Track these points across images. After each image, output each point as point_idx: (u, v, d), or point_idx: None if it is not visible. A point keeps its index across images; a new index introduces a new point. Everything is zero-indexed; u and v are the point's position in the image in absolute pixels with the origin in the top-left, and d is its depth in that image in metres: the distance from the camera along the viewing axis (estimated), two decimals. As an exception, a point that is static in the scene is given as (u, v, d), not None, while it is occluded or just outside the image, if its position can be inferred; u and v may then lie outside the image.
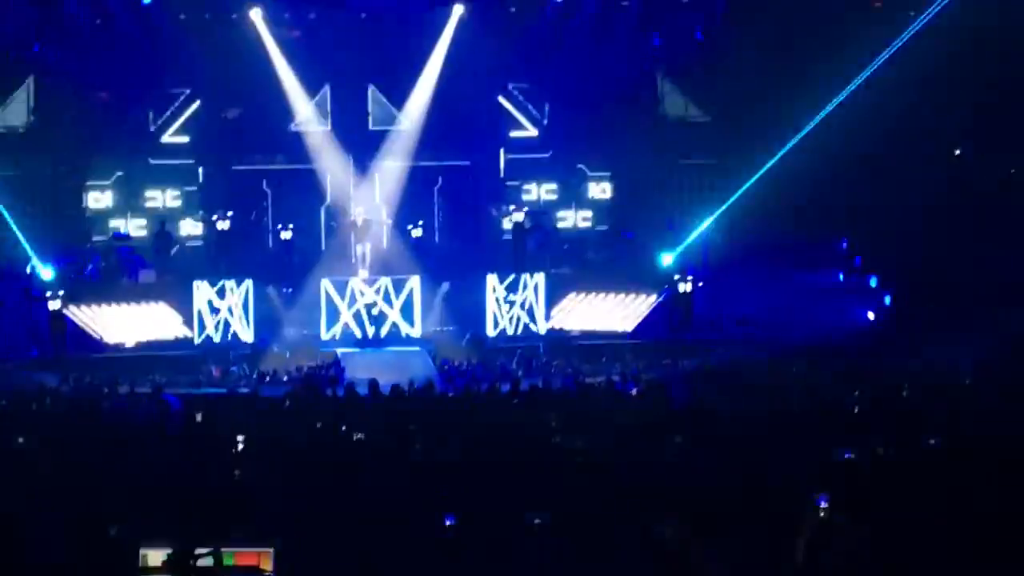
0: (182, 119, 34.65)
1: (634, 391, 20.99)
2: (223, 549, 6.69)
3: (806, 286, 31.29)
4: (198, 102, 34.39)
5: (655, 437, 14.84)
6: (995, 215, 30.70)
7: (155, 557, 7.51)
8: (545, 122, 35.43)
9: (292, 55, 33.29)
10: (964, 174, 32.03)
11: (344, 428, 15.87)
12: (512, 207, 33.63)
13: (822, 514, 10.65)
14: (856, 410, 17.50)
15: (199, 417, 17.44)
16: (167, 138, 34.65)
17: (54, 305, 28.71)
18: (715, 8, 33.67)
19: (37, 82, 34.11)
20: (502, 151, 35.14)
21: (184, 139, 34.67)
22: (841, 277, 32.55)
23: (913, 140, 31.45)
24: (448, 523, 10.21)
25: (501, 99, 35.15)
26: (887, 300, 31.37)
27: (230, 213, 32.61)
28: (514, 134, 35.37)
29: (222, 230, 32.50)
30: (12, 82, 33.93)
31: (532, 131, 35.42)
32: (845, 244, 32.90)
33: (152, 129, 34.66)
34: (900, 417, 16.01)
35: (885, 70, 30.76)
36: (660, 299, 30.85)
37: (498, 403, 19.87)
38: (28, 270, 31.12)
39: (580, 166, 35.63)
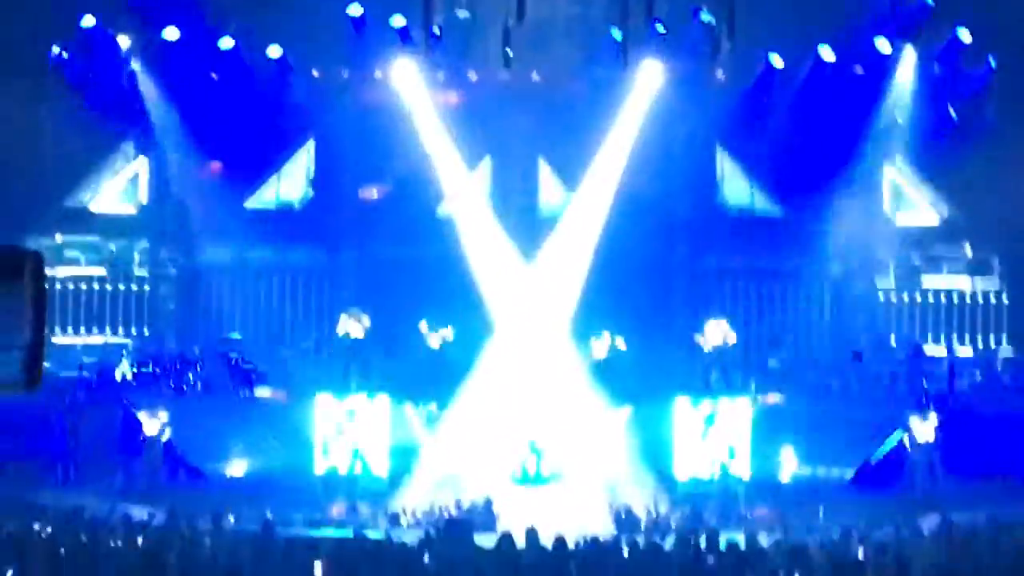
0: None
1: (860, 554, 20.78)
2: None
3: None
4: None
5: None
6: None
7: None
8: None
9: (446, 122, 33.77)
10: None
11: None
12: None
13: None
14: None
15: (319, 569, 17.64)
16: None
17: (151, 427, 29.13)
18: (972, 79, 33.61)
19: (140, 152, 35.06)
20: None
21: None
22: None
23: None
24: None
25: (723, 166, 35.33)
26: None
27: (362, 314, 32.75)
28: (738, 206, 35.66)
29: (354, 338, 32.68)
30: (109, 153, 34.88)
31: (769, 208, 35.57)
32: None
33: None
34: None
35: None
36: (896, 440, 30.55)
37: (689, 563, 19.80)
38: (119, 374, 31.80)
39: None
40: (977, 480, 29.20)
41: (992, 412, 31.24)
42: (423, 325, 33.08)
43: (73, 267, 34.78)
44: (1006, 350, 34.98)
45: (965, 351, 34.70)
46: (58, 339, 33.22)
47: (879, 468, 30.75)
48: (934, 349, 34.31)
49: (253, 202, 35.81)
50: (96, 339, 34.06)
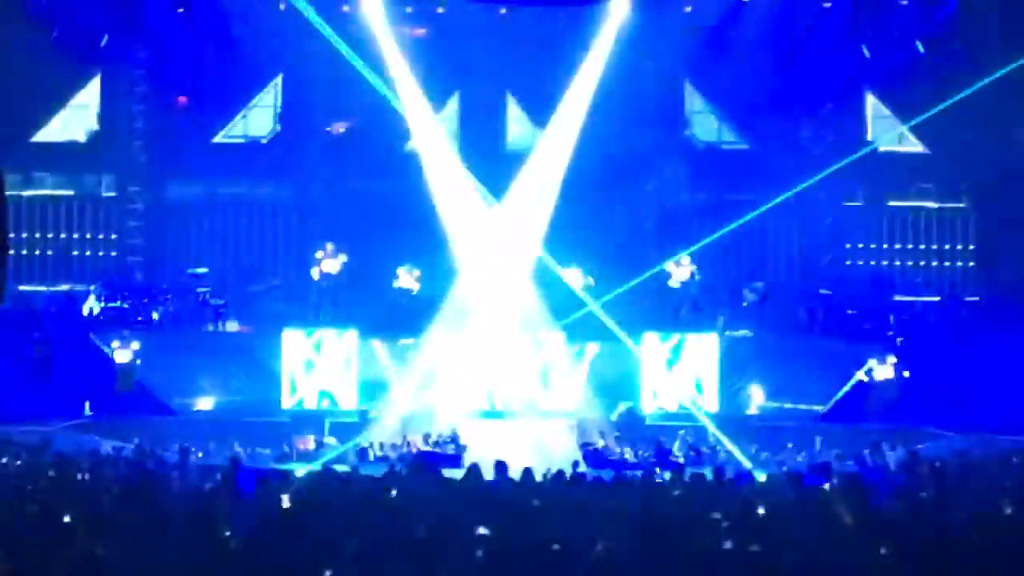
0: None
1: (826, 486, 20.85)
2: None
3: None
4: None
5: (852, 548, 14.76)
6: None
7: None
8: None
9: (414, 59, 33.65)
10: None
11: (463, 520, 15.97)
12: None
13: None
14: None
15: (285, 501, 17.62)
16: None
17: (122, 356, 29.09)
18: (939, 13, 33.65)
19: (105, 83, 34.96)
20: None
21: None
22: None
23: None
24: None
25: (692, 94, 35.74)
26: None
27: (340, 250, 32.62)
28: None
29: (329, 273, 32.62)
30: (75, 84, 34.82)
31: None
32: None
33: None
34: None
35: None
36: (862, 375, 30.67)
37: (656, 496, 19.83)
38: (87, 309, 31.79)
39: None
40: (939, 414, 29.18)
41: (954, 350, 31.35)
42: (401, 271, 32.96)
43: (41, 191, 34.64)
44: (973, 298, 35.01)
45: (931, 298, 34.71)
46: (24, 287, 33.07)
47: (845, 402, 30.90)
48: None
49: (221, 137, 35.65)
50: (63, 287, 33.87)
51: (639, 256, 33.98)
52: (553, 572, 12.45)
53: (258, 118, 35.95)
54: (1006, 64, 31.58)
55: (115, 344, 29.53)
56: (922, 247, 35.90)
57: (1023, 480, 21.58)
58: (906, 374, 30.27)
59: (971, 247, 35.88)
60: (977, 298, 34.88)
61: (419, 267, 33.03)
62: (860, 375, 30.28)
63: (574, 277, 32.40)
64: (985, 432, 27.26)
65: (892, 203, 36.04)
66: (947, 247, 35.86)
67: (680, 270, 33.24)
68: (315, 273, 32.34)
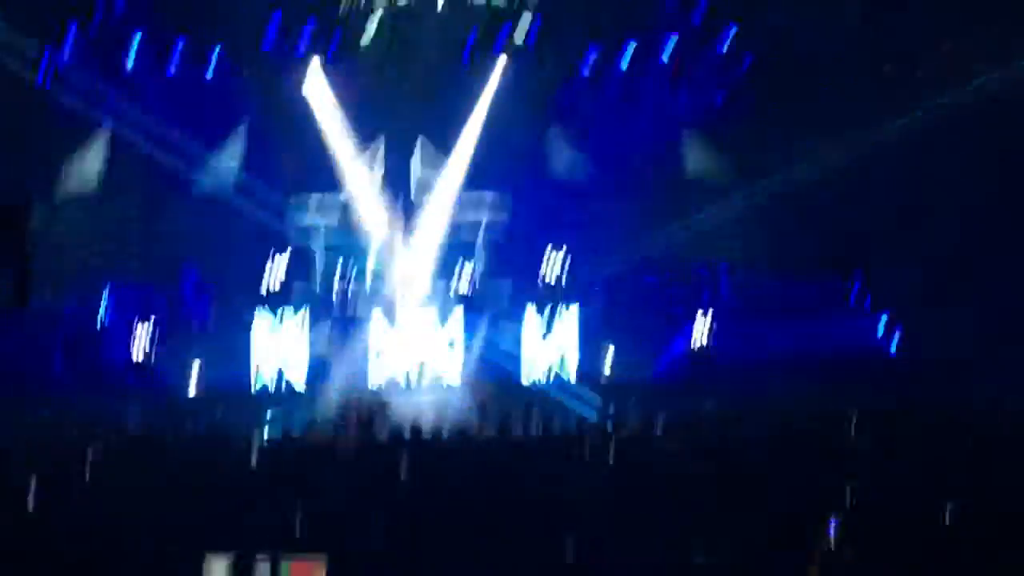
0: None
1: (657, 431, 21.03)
2: (280, 558, 7.05)
3: (818, 325, 31.31)
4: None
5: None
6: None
7: (217, 565, 7.79)
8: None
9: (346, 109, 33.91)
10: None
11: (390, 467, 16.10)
12: None
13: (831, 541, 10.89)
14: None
15: (254, 459, 17.70)
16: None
17: (134, 350, 28.86)
18: (734, 74, 34.04)
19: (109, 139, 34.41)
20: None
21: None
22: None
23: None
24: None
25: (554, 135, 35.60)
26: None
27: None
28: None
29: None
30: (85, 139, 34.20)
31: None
32: (858, 284, 32.79)
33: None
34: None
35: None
36: (682, 344, 30.93)
37: (532, 447, 20.02)
38: (102, 313, 31.46)
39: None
40: (750, 367, 29.40)
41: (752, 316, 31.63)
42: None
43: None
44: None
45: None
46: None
47: (669, 364, 31.11)
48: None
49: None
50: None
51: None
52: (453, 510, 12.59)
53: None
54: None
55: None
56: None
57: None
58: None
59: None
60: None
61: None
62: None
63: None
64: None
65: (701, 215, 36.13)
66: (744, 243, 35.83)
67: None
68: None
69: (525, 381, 30.95)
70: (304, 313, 30.90)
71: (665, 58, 33.75)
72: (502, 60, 33.73)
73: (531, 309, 31.21)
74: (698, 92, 34.54)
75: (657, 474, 15.13)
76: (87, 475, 15.47)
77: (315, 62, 33.18)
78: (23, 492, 12.84)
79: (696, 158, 36.17)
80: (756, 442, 18.24)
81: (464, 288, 33.19)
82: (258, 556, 6.93)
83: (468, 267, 33.54)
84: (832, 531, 11.08)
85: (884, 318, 31.84)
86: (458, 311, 31.62)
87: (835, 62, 32.28)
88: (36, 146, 31.59)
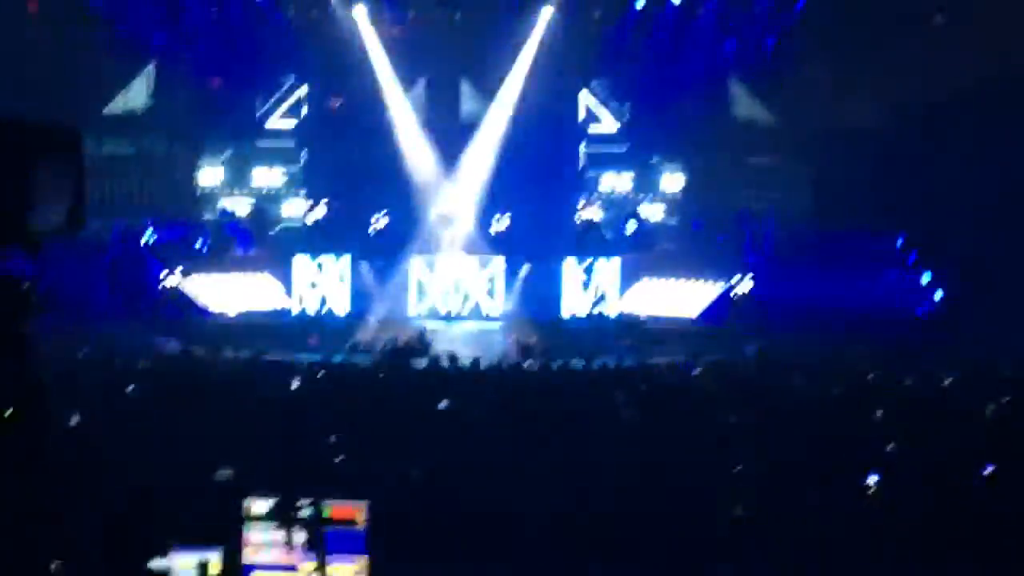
0: (287, 105, 35.26)
1: (695, 372, 21.05)
2: (322, 502, 6.96)
3: (862, 279, 31.15)
4: (303, 89, 34.95)
5: (710, 413, 15.05)
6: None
7: (259, 506, 7.77)
8: (626, 118, 35.64)
9: (391, 51, 33.74)
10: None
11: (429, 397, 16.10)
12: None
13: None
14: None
15: (295, 383, 17.75)
16: (273, 122, 35.21)
17: (173, 278, 28.95)
18: (785, 20, 33.71)
19: (156, 69, 34.78)
20: (583, 145, 35.30)
21: (290, 124, 35.22)
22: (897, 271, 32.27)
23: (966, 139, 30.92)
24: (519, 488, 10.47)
25: (585, 93, 35.33)
26: (938, 295, 31.32)
27: (324, 200, 33.11)
28: (594, 129, 35.56)
29: (315, 219, 33.12)
30: (133, 69, 34.63)
31: (612, 126, 35.58)
32: (902, 240, 32.54)
33: (259, 114, 35.31)
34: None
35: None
36: (725, 289, 30.84)
37: (570, 381, 20.02)
38: (145, 240, 31.72)
39: (655, 159, 35.74)
40: (788, 317, 29.27)
41: (796, 267, 31.52)
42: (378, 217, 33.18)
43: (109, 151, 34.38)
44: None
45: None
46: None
47: (713, 309, 31.08)
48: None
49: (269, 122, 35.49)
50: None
51: (558, 200, 34.00)
52: (485, 442, 12.60)
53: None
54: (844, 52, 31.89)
55: (167, 265, 29.36)
56: (771, 193, 35.84)
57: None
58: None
59: (808, 193, 35.87)
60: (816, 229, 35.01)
61: (392, 210, 33.14)
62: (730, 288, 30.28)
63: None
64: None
65: (751, 160, 36.03)
66: (790, 193, 35.81)
67: (588, 211, 33.57)
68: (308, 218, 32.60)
69: (565, 317, 30.97)
70: (346, 257, 30.95)
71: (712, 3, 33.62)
72: (548, 10, 33.51)
73: (571, 260, 31.17)
74: (748, 38, 34.45)
75: (689, 415, 15.13)
76: (134, 397, 15.57)
77: (360, 10, 33.28)
78: (78, 413, 12.91)
79: (744, 105, 36.18)
80: (787, 391, 18.25)
81: (505, 228, 33.26)
82: (300, 500, 6.86)
83: (507, 214, 33.57)
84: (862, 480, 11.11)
85: (927, 276, 31.70)
86: (499, 257, 31.54)
87: (886, 13, 31.95)
88: (87, 75, 31.76)
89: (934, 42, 31.80)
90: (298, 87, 35.26)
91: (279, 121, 35.43)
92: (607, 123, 35.72)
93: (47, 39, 30.30)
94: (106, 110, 34.56)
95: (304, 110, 35.36)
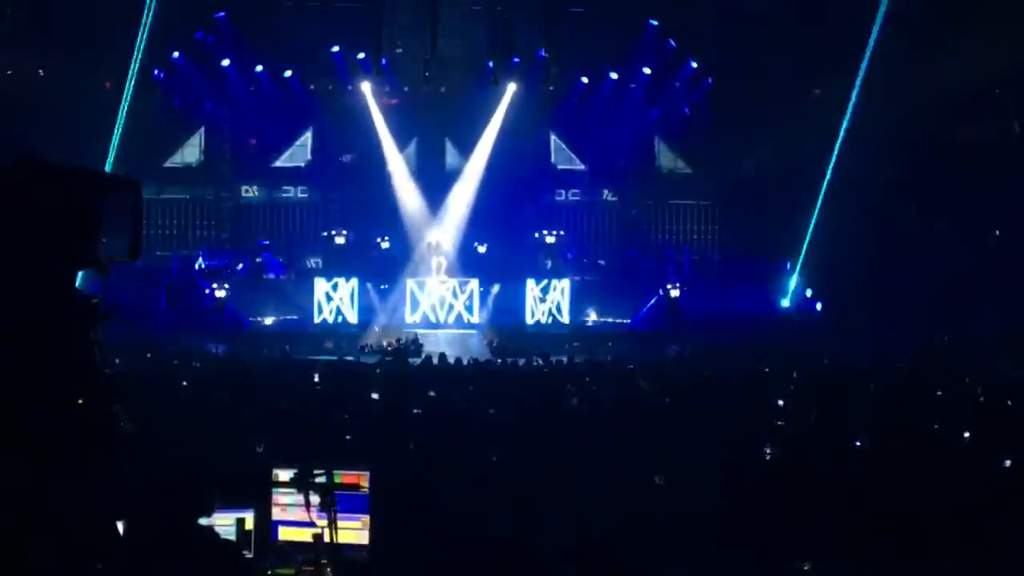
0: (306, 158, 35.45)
1: (629, 367, 21.01)
2: (334, 471, 6.91)
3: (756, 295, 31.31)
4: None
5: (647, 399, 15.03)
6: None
7: (284, 475, 7.72)
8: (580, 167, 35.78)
9: (390, 116, 33.80)
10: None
11: (421, 387, 16.04)
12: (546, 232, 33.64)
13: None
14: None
15: (316, 377, 17.65)
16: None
17: (220, 293, 28.81)
18: (699, 90, 33.93)
19: (206, 132, 34.77)
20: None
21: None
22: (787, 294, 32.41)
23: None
24: (493, 458, 10.42)
25: (554, 138, 35.50)
26: (818, 306, 31.51)
27: (344, 231, 33.01)
28: (563, 165, 35.88)
29: (339, 244, 32.92)
30: (188, 132, 34.62)
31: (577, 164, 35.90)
32: (788, 264, 32.70)
33: (283, 164, 35.44)
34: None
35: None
36: (655, 299, 30.83)
37: (533, 374, 20.00)
38: (196, 266, 31.58)
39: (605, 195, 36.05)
40: (708, 322, 29.26)
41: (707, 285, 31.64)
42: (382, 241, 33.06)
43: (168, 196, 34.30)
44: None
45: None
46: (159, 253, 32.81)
47: (644, 318, 31.07)
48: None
49: (276, 163, 35.50)
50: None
51: (524, 231, 33.94)
52: (466, 422, 12.54)
53: (298, 153, 35.69)
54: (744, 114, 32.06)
55: (215, 286, 29.15)
56: (687, 228, 36.12)
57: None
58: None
59: (716, 227, 36.14)
60: (722, 257, 35.31)
61: (391, 239, 33.08)
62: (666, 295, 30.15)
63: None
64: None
65: (671, 202, 36.27)
66: (703, 227, 36.09)
67: (549, 238, 33.56)
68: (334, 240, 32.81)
69: (528, 325, 30.84)
70: (354, 279, 30.76)
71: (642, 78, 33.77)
72: (512, 86, 33.52)
73: (531, 282, 31.04)
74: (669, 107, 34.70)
75: (629, 401, 15.12)
76: (189, 392, 15.47)
77: (366, 85, 33.29)
78: (140, 408, 12.78)
79: (667, 158, 36.44)
80: (707, 381, 18.23)
81: (481, 254, 33.22)
82: (316, 470, 6.82)
83: (483, 247, 33.47)
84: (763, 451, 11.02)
85: (808, 292, 31.94)
86: (474, 279, 31.31)
87: (773, 87, 32.18)
88: (149, 135, 31.64)
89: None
90: (316, 145, 35.18)
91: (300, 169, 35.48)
92: (572, 162, 35.91)
93: (117, 107, 30.13)
94: (166, 164, 34.54)
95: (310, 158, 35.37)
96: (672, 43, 33.15)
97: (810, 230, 31.74)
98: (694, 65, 33.13)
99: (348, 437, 11.33)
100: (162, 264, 31.19)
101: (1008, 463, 10.06)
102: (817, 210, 31.59)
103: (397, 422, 12.09)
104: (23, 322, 4.54)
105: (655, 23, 32.86)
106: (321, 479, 6.74)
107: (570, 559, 7.97)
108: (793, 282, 31.93)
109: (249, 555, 7.51)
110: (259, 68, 32.62)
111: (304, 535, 7.32)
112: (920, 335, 26.17)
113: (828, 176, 31.24)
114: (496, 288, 31.12)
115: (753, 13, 31.45)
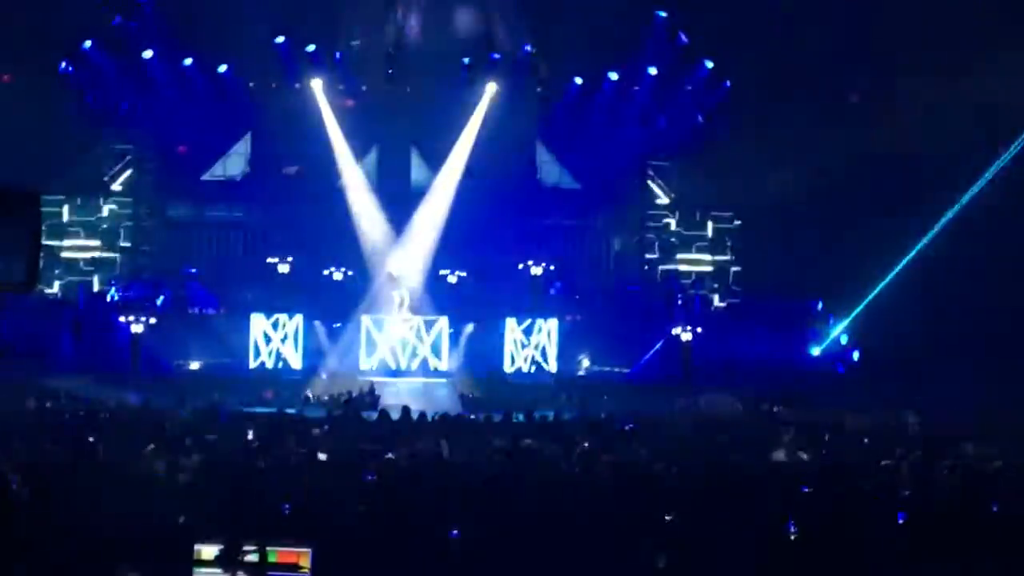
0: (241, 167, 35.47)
1: (628, 427, 20.94)
2: (267, 548, 6.86)
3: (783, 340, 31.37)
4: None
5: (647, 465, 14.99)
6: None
7: (208, 552, 7.67)
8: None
9: (344, 120, 33.81)
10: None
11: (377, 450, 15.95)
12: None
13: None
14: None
15: (250, 434, 17.56)
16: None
17: (136, 328, 28.70)
18: (715, 95, 34.05)
19: (123, 137, 34.73)
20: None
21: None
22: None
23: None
24: (453, 535, 10.39)
25: (540, 146, 35.64)
26: (855, 356, 31.57)
27: (288, 258, 32.94)
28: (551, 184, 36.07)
29: (282, 273, 32.89)
30: (102, 137, 34.48)
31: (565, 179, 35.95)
32: (820, 305, 32.73)
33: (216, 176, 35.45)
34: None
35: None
36: (659, 345, 30.82)
37: (511, 431, 19.87)
38: (109, 297, 31.48)
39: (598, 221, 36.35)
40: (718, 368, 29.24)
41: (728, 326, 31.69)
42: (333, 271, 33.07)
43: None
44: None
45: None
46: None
47: (646, 366, 31.05)
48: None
49: (207, 175, 35.46)
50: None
51: (504, 260, 33.91)
52: (440, 481, 12.49)
53: (233, 162, 35.67)
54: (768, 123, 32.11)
55: (131, 320, 29.00)
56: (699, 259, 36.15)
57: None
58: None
59: (734, 258, 36.00)
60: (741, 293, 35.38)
61: (344, 269, 33.08)
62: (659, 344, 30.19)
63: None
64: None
65: (679, 227, 36.41)
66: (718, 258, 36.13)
67: (534, 269, 33.51)
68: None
69: (508, 374, 30.76)
70: (298, 316, 30.69)
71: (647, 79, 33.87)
72: (491, 87, 33.65)
73: (511, 322, 31.00)
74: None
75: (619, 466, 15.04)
76: (94, 448, 15.34)
77: (317, 83, 33.38)
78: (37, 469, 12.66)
79: (673, 176, 36.53)
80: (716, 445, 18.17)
81: (453, 283, 33.20)
82: (246, 546, 6.75)
83: (456, 274, 33.46)
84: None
85: (843, 337, 31.96)
86: (443, 317, 31.24)
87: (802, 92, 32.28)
88: (54, 139, 31.47)
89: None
90: (255, 154, 35.26)
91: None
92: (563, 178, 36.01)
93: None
94: (74, 174, 34.36)
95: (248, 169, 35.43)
96: (684, 38, 33.25)
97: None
98: (709, 66, 33.24)
99: (286, 506, 11.25)
100: (67, 295, 31.07)
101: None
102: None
103: (346, 489, 12.03)
104: None
105: (663, 14, 32.93)
106: (252, 557, 6.71)
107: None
108: (836, 330, 31.89)
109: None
110: (188, 61, 32.62)
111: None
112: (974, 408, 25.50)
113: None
114: (469, 328, 31.05)
115: (778, 2, 31.48)
